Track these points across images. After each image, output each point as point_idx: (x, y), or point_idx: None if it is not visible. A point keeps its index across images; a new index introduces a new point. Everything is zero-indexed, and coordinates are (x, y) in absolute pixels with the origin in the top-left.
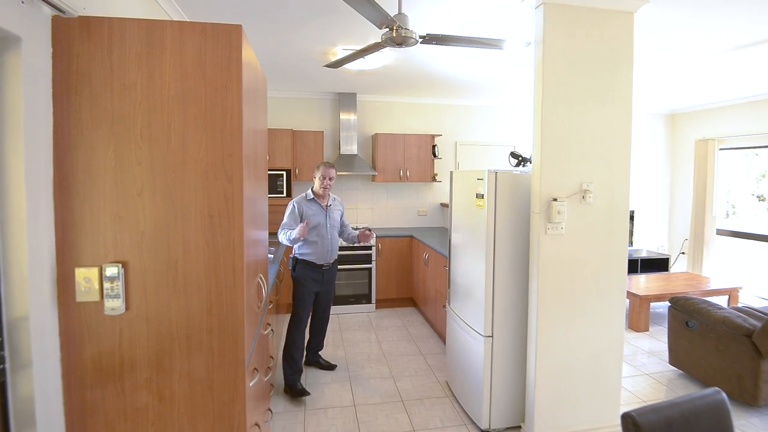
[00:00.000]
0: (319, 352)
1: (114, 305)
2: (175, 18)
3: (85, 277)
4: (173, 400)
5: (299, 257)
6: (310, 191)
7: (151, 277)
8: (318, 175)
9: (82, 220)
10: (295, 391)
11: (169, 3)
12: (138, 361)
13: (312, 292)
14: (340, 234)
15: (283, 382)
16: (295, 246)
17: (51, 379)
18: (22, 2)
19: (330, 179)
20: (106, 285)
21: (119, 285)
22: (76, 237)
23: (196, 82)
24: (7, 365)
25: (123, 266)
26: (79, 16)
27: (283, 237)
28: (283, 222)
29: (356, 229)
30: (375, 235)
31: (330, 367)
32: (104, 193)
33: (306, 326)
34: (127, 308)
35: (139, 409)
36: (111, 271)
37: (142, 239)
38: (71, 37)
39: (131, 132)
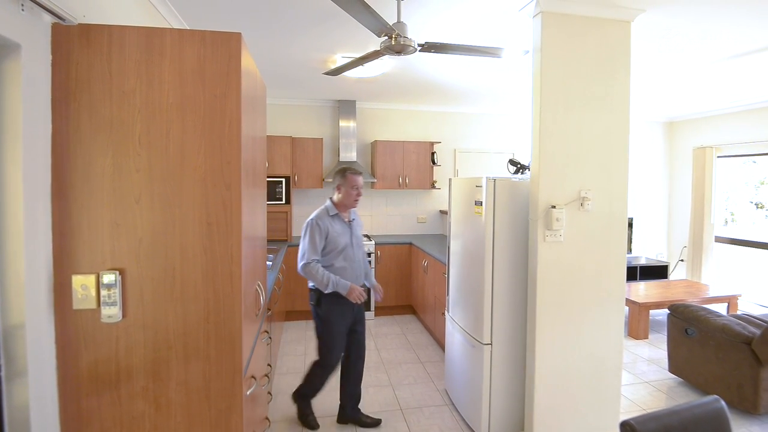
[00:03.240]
0: (359, 405)
1: (111, 313)
2: (175, 26)
3: (82, 284)
4: (170, 408)
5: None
6: (330, 204)
7: (148, 285)
8: (345, 185)
9: (80, 227)
10: (307, 423)
11: (169, 11)
12: (135, 369)
13: (345, 332)
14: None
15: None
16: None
17: (47, 387)
18: (23, 10)
19: (361, 189)
20: (103, 292)
21: (116, 292)
22: (74, 244)
23: (195, 89)
24: (3, 373)
25: (120, 273)
26: (79, 24)
27: (316, 273)
28: (304, 247)
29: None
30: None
31: (375, 423)
32: (102, 200)
33: (333, 373)
34: (124, 316)
35: (136, 418)
36: (108, 278)
37: (139, 246)
38: (71, 44)
39: (130, 139)
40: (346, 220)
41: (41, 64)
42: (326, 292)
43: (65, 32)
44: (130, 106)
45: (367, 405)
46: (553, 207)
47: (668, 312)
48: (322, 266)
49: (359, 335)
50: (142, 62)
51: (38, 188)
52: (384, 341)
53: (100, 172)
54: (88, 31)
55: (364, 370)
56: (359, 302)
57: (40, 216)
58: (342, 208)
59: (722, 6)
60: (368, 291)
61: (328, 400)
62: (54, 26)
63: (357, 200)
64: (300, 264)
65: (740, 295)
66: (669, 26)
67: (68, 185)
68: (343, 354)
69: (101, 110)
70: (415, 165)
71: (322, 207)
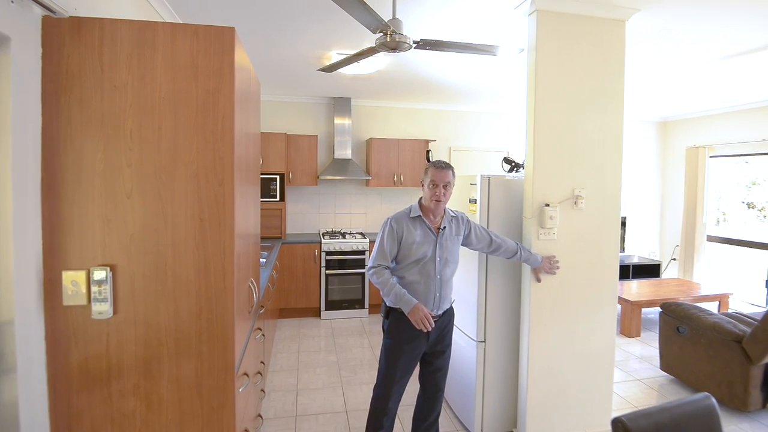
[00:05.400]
0: None
1: (101, 309)
2: (168, 20)
3: (73, 280)
4: (161, 405)
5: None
6: (415, 204)
7: (139, 281)
8: (424, 179)
9: (70, 222)
10: None
11: (162, 5)
12: (125, 366)
13: (411, 356)
14: (495, 250)
15: None
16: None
17: (36, 384)
18: (12, 2)
19: (444, 186)
20: (94, 289)
21: (107, 289)
22: (64, 240)
23: (187, 84)
24: None
25: (111, 270)
26: (70, 17)
27: (379, 279)
28: (374, 249)
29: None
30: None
31: None
32: (93, 196)
33: (395, 401)
34: (114, 312)
35: (127, 415)
36: (99, 274)
37: (131, 242)
38: (62, 37)
39: (121, 134)
40: (434, 226)
41: (31, 57)
42: (388, 304)
43: (56, 25)
44: (122, 101)
45: (360, 402)
46: (547, 205)
47: (660, 310)
48: (393, 276)
49: (435, 371)
50: (133, 56)
51: (28, 183)
52: (378, 339)
53: (90, 167)
54: (79, 24)
55: (359, 367)
56: (423, 330)
57: (29, 211)
58: (427, 209)
59: (717, 6)
60: (445, 320)
61: (320, 398)
62: (45, 19)
63: (437, 201)
64: (367, 267)
65: (731, 294)
66: (664, 26)
67: (58, 180)
68: (407, 380)
69: (92, 104)
70: (410, 163)
71: (408, 205)
